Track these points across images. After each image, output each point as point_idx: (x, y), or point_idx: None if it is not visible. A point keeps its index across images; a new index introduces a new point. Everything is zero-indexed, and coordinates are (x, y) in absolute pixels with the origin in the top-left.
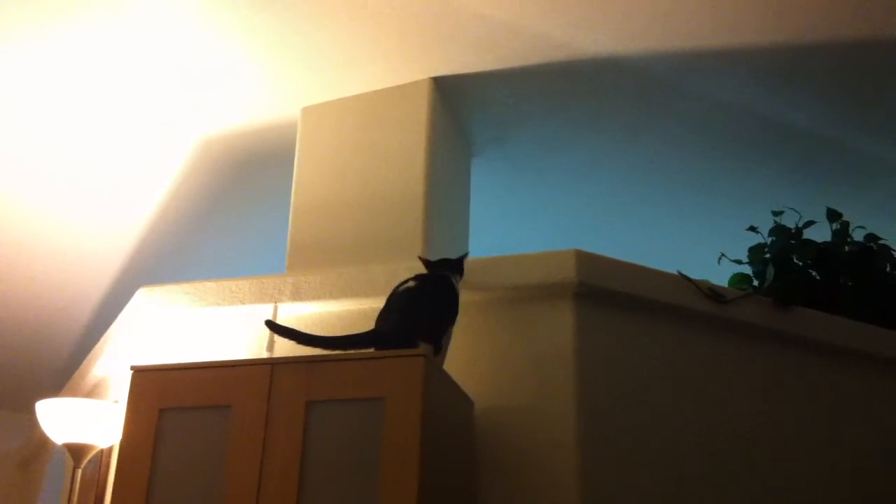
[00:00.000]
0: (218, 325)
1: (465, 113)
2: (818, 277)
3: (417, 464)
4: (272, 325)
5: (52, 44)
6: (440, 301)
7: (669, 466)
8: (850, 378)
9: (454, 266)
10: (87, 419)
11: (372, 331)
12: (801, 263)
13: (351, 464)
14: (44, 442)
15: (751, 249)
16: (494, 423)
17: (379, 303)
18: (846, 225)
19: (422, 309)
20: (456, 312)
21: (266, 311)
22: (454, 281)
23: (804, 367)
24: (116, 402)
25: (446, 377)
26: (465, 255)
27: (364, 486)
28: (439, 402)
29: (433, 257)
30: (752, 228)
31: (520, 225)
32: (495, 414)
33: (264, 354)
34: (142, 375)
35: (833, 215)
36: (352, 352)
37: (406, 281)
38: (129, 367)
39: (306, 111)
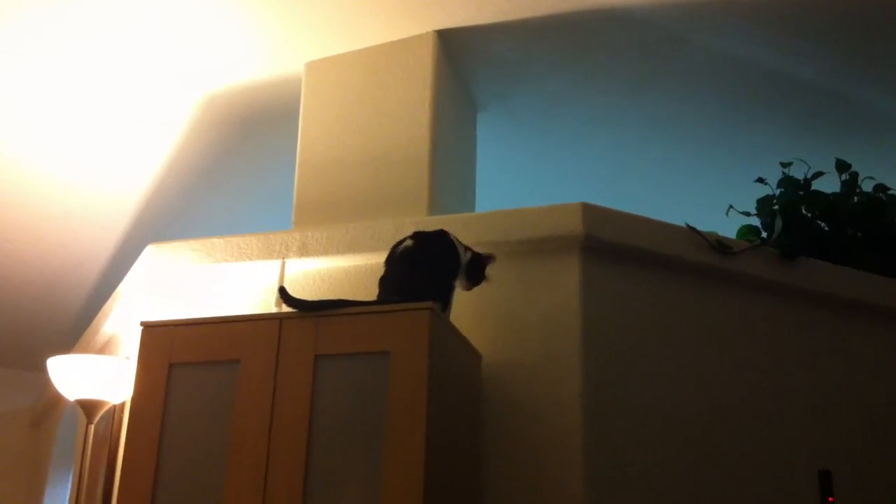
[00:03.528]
0: (226, 281)
1: (469, 67)
2: (826, 229)
3: (423, 417)
4: (285, 295)
5: (58, 1)
6: (440, 258)
7: (673, 420)
8: (857, 329)
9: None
10: (98, 375)
11: (379, 301)
12: (809, 215)
13: (358, 417)
14: (55, 400)
15: (759, 201)
16: (501, 376)
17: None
18: (855, 176)
19: (424, 271)
20: (458, 266)
21: (273, 267)
22: (453, 238)
23: (811, 318)
24: (128, 358)
25: (453, 330)
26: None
27: (371, 439)
28: (446, 355)
29: (438, 213)
30: (761, 180)
31: (525, 181)
32: (502, 367)
33: (272, 309)
34: (152, 331)
35: (842, 166)
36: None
37: (403, 241)
38: (139, 324)
39: (310, 66)
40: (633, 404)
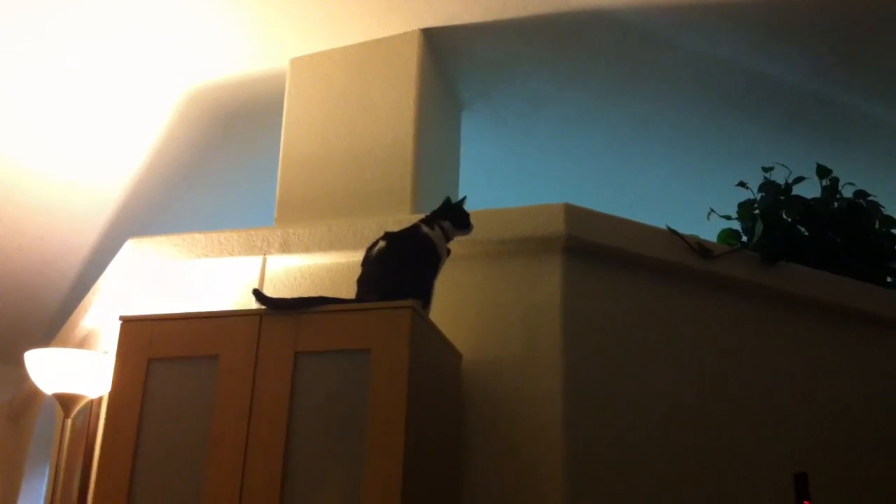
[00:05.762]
0: (207, 277)
1: (454, 66)
2: (806, 233)
3: (403, 414)
4: (259, 296)
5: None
6: (416, 255)
7: (651, 419)
8: (835, 333)
9: (443, 213)
10: (76, 369)
11: (358, 299)
12: (789, 219)
13: (338, 414)
14: (33, 394)
15: (740, 205)
16: (482, 374)
17: None
18: (835, 181)
19: (401, 269)
20: (437, 260)
21: (255, 263)
22: (427, 230)
23: (790, 321)
24: (106, 352)
25: (434, 329)
26: (462, 199)
27: (351, 436)
28: (426, 353)
29: (422, 211)
30: (742, 184)
31: (507, 180)
32: (483, 366)
33: (253, 306)
34: (131, 326)
35: (822, 171)
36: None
37: (376, 242)
38: (118, 318)
39: (295, 62)
40: (612, 403)
